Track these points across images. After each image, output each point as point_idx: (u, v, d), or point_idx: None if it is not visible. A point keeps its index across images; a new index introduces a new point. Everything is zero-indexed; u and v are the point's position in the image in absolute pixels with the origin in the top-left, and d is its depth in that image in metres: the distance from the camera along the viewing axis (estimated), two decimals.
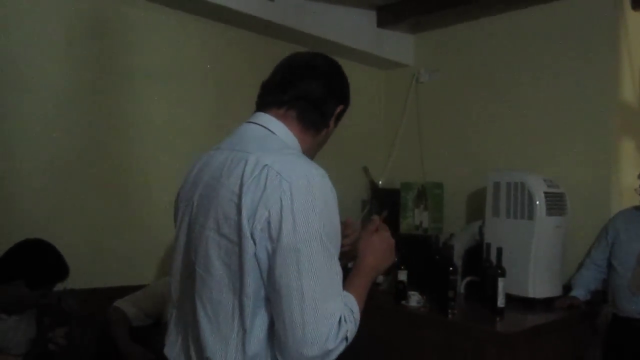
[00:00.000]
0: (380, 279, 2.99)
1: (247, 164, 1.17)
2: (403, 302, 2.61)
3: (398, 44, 3.72)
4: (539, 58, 3.16)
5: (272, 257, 1.11)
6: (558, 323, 2.58)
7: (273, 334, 1.14)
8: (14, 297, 2.05)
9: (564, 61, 3.06)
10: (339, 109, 1.36)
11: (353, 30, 3.43)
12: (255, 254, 1.12)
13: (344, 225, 1.33)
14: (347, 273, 1.23)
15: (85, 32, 2.58)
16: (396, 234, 3.19)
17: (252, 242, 1.12)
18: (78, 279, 2.19)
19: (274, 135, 1.29)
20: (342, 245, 1.23)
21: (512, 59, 3.27)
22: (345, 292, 1.19)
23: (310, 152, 1.35)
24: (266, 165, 1.15)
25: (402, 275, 2.66)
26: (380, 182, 3.73)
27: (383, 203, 3.44)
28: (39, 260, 2.09)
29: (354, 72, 3.62)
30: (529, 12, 3.21)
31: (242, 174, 1.16)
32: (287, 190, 1.11)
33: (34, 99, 2.42)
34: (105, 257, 2.61)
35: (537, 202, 2.66)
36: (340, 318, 1.11)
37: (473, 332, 2.34)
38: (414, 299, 2.58)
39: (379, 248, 1.34)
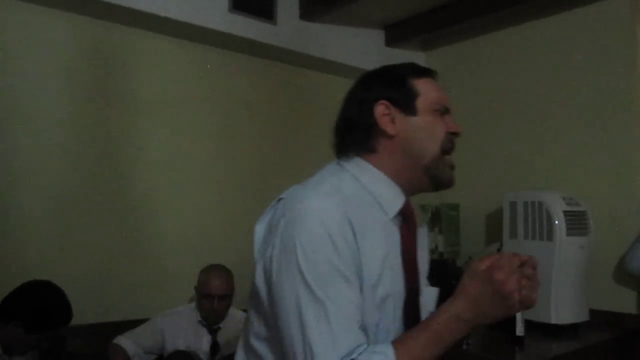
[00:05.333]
0: None
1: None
2: None
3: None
4: (553, 71, 3.03)
5: (269, 301, 1.08)
6: (586, 351, 2.41)
7: None
8: (10, 339, 2.00)
9: (580, 73, 2.92)
10: (378, 107, 1.19)
11: (360, 51, 3.36)
12: (263, 291, 1.12)
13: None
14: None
15: (85, 64, 2.57)
16: None
17: (262, 275, 1.11)
18: (83, 314, 2.14)
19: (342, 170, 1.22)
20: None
21: (525, 73, 3.15)
22: (379, 348, 1.01)
23: (402, 172, 1.19)
24: (281, 198, 1.13)
25: None
26: None
27: None
28: (38, 305, 2.01)
29: None
30: (541, 23, 3.09)
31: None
32: (281, 226, 1.06)
33: (34, 132, 2.41)
34: (110, 291, 2.56)
35: (556, 222, 2.51)
36: None
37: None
38: None
39: (482, 292, 1.00)
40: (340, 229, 1.04)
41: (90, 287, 2.45)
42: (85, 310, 2.17)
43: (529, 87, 3.13)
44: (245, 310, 2.61)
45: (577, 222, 2.56)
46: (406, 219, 1.21)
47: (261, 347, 1.15)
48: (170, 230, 2.75)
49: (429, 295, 1.29)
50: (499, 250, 2.80)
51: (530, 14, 3.06)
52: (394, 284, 1.15)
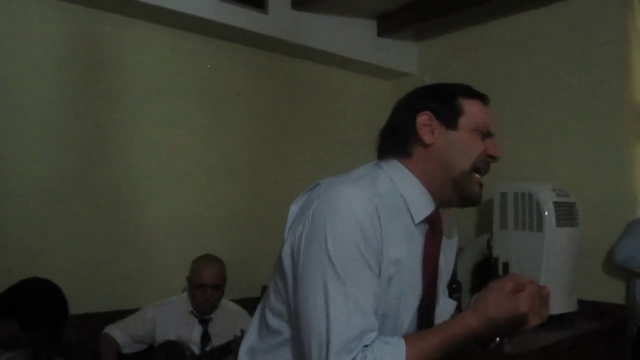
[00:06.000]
0: None
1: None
2: None
3: (400, 53, 3.62)
4: (545, 62, 3.03)
5: (293, 276, 1.12)
6: (573, 341, 2.43)
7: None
8: (4, 335, 1.98)
9: (572, 63, 2.93)
10: (421, 116, 1.22)
11: (352, 41, 3.35)
12: (288, 266, 1.15)
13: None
14: None
15: (74, 53, 2.54)
16: None
17: (289, 251, 1.14)
18: (73, 304, 2.10)
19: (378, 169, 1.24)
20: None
21: (517, 63, 3.15)
22: (387, 339, 1.06)
23: (434, 182, 1.21)
24: (319, 183, 1.17)
25: None
26: None
27: None
28: (35, 304, 1.99)
29: (357, 84, 3.61)
30: (534, 14, 3.09)
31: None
32: (314, 207, 1.11)
33: (22, 122, 2.38)
34: (100, 281, 2.54)
35: (546, 213, 2.53)
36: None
37: (477, 355, 2.19)
38: None
39: (504, 317, 1.06)
40: (369, 219, 1.09)
41: (80, 277, 2.44)
42: (76, 300, 2.14)
43: (520, 79, 3.13)
44: (236, 302, 2.63)
45: (566, 213, 2.58)
46: (432, 228, 1.23)
47: (274, 322, 1.20)
48: (161, 221, 2.74)
49: (446, 306, 1.35)
50: (488, 240, 2.81)
51: (522, 5, 3.06)
52: (409, 287, 1.18)
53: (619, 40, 2.79)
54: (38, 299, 2.00)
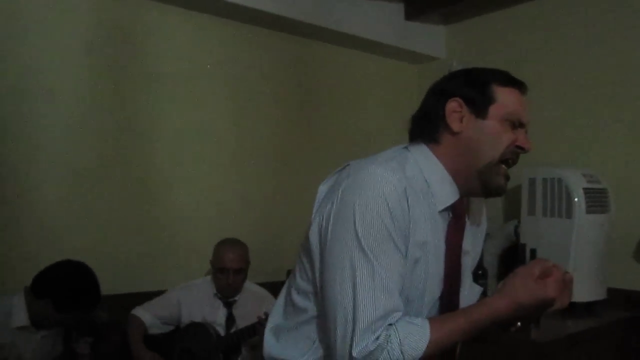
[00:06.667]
0: None
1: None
2: None
3: (428, 36, 3.56)
4: (576, 45, 2.95)
5: (321, 254, 1.12)
6: (602, 329, 2.39)
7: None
8: (39, 314, 2.04)
9: (604, 46, 2.85)
10: (451, 103, 1.19)
11: (379, 24, 3.30)
12: (315, 245, 1.15)
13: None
14: None
15: (104, 39, 2.56)
16: None
17: (316, 230, 1.15)
18: (101, 285, 2.14)
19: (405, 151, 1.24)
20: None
21: (548, 46, 3.07)
22: (413, 320, 1.07)
23: (460, 171, 1.20)
24: (349, 164, 1.18)
25: None
26: None
27: None
28: (69, 286, 2.04)
29: (383, 68, 3.58)
30: None
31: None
32: (343, 187, 1.11)
33: (54, 106, 2.42)
34: (128, 263, 2.58)
35: (576, 199, 2.47)
36: (368, 340, 1.03)
37: (505, 341, 2.17)
38: None
39: (530, 302, 1.07)
40: (398, 200, 1.09)
41: (108, 259, 2.47)
42: (104, 282, 2.18)
43: (550, 62, 3.05)
44: (261, 285, 2.65)
45: (597, 200, 2.52)
46: (455, 215, 1.23)
47: (300, 300, 1.22)
48: (187, 203, 2.77)
49: (472, 292, 1.35)
50: (516, 227, 2.77)
51: None
52: (432, 271, 1.19)
53: None
54: (73, 282, 2.05)
